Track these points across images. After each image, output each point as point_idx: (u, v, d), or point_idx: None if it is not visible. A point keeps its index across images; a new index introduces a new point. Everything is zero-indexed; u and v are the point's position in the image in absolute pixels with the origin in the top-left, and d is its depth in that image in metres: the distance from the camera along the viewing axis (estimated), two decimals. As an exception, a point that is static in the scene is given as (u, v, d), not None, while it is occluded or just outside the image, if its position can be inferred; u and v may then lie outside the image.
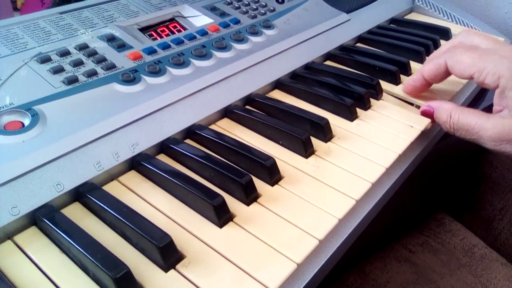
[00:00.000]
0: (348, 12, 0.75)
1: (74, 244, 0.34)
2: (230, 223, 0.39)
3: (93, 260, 0.32)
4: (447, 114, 0.50)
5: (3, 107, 0.42)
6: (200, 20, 0.62)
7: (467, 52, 0.50)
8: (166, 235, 0.35)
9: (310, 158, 0.47)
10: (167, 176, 0.41)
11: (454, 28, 0.80)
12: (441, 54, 0.54)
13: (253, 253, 0.36)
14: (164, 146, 0.46)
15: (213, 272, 0.35)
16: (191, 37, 0.57)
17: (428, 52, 0.71)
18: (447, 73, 0.53)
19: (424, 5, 0.88)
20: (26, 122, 0.42)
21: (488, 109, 0.51)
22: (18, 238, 0.36)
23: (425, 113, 0.54)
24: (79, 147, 0.41)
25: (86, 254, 0.33)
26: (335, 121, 0.53)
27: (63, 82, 0.46)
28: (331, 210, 0.41)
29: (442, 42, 0.75)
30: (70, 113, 0.44)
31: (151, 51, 0.53)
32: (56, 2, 1.28)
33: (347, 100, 0.54)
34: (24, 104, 0.43)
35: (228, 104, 0.52)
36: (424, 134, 0.54)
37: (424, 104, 0.55)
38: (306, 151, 0.47)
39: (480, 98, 0.80)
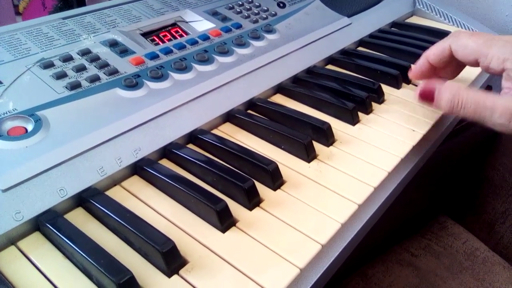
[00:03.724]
0: (349, 16, 0.75)
1: (78, 250, 0.34)
2: (233, 228, 0.39)
3: (96, 265, 0.32)
4: (453, 92, 0.48)
5: (7, 113, 0.42)
6: (202, 25, 0.62)
7: (472, 37, 0.50)
8: (169, 240, 0.35)
9: (312, 163, 0.47)
10: (169, 181, 0.41)
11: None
12: (445, 38, 0.54)
13: (256, 258, 0.36)
14: (167, 151, 0.46)
15: (216, 277, 0.35)
16: (193, 42, 0.58)
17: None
18: (451, 58, 0.52)
19: (425, 8, 0.88)
20: (29, 127, 0.42)
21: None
22: (21, 243, 0.37)
23: (424, 94, 0.51)
24: (82, 152, 0.41)
25: (90, 260, 0.33)
26: (337, 125, 0.53)
27: (66, 88, 0.46)
28: (333, 215, 0.41)
29: (443, 45, 0.75)
30: (73, 119, 0.44)
31: (153, 56, 0.53)
32: (58, 7, 1.29)
33: (348, 104, 0.54)
34: (27, 110, 0.43)
35: (230, 109, 0.53)
36: (426, 137, 0.54)
37: (423, 84, 0.51)
38: (308, 155, 0.47)
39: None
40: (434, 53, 0.54)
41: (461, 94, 0.48)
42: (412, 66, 0.58)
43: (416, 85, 0.63)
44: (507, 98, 0.46)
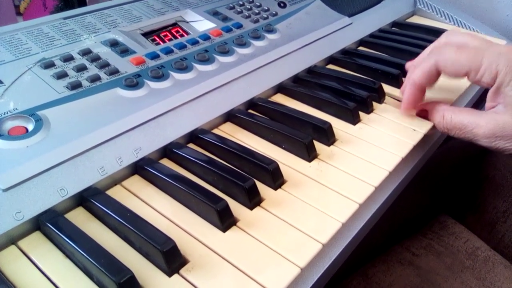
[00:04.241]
0: (350, 15, 0.75)
1: (78, 249, 0.34)
2: (234, 228, 0.39)
3: (97, 265, 0.32)
4: (440, 114, 0.50)
5: (7, 113, 0.42)
6: (202, 24, 0.62)
7: (459, 51, 0.48)
8: (169, 239, 0.35)
9: (313, 162, 0.47)
10: (170, 180, 0.41)
11: (456, 31, 0.80)
12: (426, 56, 0.52)
13: (256, 258, 0.36)
14: (167, 151, 0.46)
15: (216, 276, 0.35)
16: (194, 42, 0.58)
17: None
18: (438, 75, 0.51)
19: (426, 8, 0.88)
20: (30, 127, 0.42)
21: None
22: (22, 243, 0.37)
23: (419, 116, 0.54)
24: (82, 152, 0.41)
25: (90, 259, 0.33)
26: (338, 125, 0.53)
27: (67, 87, 0.46)
28: (334, 214, 0.41)
29: (444, 45, 0.75)
30: (73, 118, 0.44)
31: (154, 56, 0.53)
32: (59, 7, 1.29)
33: (349, 103, 0.54)
34: (28, 110, 0.43)
35: (231, 108, 0.53)
36: (427, 137, 0.54)
37: (418, 106, 0.54)
38: (309, 155, 0.47)
39: (480, 103, 0.80)
40: (420, 76, 0.51)
41: (446, 117, 0.49)
42: (403, 100, 0.54)
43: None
44: (488, 117, 0.46)
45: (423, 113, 0.54)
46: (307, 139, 0.47)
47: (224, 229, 0.38)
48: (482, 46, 0.49)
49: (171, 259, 0.34)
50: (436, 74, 0.51)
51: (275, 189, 0.43)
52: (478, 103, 0.69)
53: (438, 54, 0.49)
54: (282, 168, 0.45)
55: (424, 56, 0.55)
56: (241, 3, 0.69)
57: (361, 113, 0.55)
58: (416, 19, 0.88)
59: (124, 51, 0.53)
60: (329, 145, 0.50)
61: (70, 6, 1.26)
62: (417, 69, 0.51)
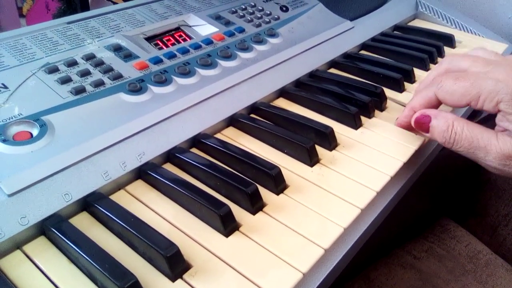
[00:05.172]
0: (352, 19, 0.75)
1: (82, 254, 0.34)
2: (236, 232, 0.39)
3: (101, 270, 0.33)
4: (448, 123, 0.46)
5: (12, 118, 0.43)
6: (205, 29, 0.63)
7: (457, 81, 0.46)
8: (173, 244, 0.35)
9: (315, 167, 0.47)
10: (173, 185, 0.42)
11: (458, 35, 0.81)
12: (427, 86, 0.51)
13: (259, 263, 0.37)
14: (171, 155, 0.47)
15: (219, 281, 0.35)
16: (197, 46, 0.58)
17: (432, 59, 0.71)
18: (439, 104, 0.50)
19: (428, 11, 0.89)
20: (35, 132, 0.42)
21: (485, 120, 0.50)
22: (27, 248, 0.37)
23: (418, 122, 0.49)
24: (87, 157, 0.42)
25: (94, 264, 0.33)
26: (340, 130, 0.53)
27: (71, 92, 0.47)
28: (336, 219, 0.41)
29: (445, 48, 0.75)
30: (77, 123, 0.44)
31: (157, 61, 0.54)
32: (61, 10, 1.29)
33: (351, 108, 0.54)
34: (33, 115, 0.44)
35: (233, 113, 0.53)
36: (428, 141, 0.54)
37: (418, 112, 0.50)
38: (311, 159, 0.47)
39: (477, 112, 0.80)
40: (420, 103, 0.50)
41: (455, 127, 0.45)
42: (399, 118, 0.54)
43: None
44: (503, 138, 0.43)
45: (424, 121, 0.49)
46: (309, 143, 0.47)
47: (227, 234, 0.39)
48: (483, 71, 0.46)
49: (174, 264, 0.35)
50: (436, 103, 0.49)
51: (277, 194, 0.44)
52: (473, 116, 0.69)
53: (437, 86, 0.48)
54: (284, 173, 0.45)
55: (427, 83, 0.53)
56: (243, 7, 0.69)
57: (363, 118, 0.55)
58: (418, 23, 0.88)
59: (128, 56, 0.53)
60: (331, 149, 0.50)
61: (72, 9, 1.27)
62: (418, 96, 0.51)
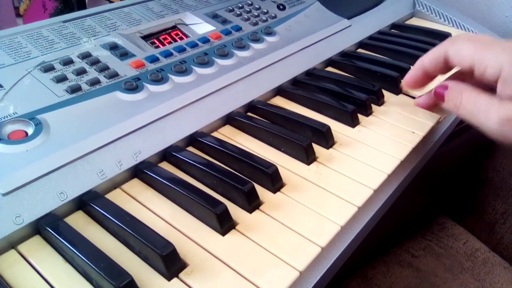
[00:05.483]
0: (349, 18, 0.75)
1: (78, 253, 0.34)
2: (233, 231, 0.39)
3: (96, 269, 0.33)
4: (458, 92, 0.47)
5: (7, 117, 0.43)
6: (202, 27, 0.62)
7: (468, 42, 0.47)
8: (169, 243, 0.35)
9: (312, 165, 0.47)
10: (169, 184, 0.41)
11: (455, 33, 0.80)
12: (442, 43, 0.52)
13: (256, 261, 0.36)
14: (167, 154, 0.47)
15: (216, 280, 0.35)
16: (193, 45, 0.58)
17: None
18: (447, 65, 0.50)
19: (425, 10, 0.89)
20: (30, 131, 0.42)
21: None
22: (22, 247, 0.37)
23: (438, 94, 0.50)
24: (82, 155, 0.41)
25: (90, 263, 0.33)
26: (337, 128, 0.53)
27: (67, 91, 0.46)
28: (333, 217, 0.41)
29: (443, 47, 0.75)
30: (73, 122, 0.44)
31: (153, 59, 0.53)
32: (58, 9, 1.29)
33: (348, 106, 0.54)
34: (28, 113, 0.43)
35: (230, 111, 0.53)
36: (426, 139, 0.54)
37: (439, 84, 0.51)
38: (308, 158, 0.47)
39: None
40: (429, 58, 0.51)
41: (464, 95, 0.47)
42: (405, 76, 0.54)
43: (408, 95, 0.62)
44: (502, 102, 0.44)
45: (441, 94, 0.50)
46: (306, 142, 0.47)
47: (223, 233, 0.39)
48: (493, 41, 0.47)
49: (170, 263, 0.34)
50: (444, 63, 0.50)
51: (274, 192, 0.44)
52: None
53: (451, 42, 0.49)
54: (281, 171, 0.45)
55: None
56: (240, 5, 0.69)
57: (360, 116, 0.55)
58: (415, 21, 0.88)
59: (124, 54, 0.53)
60: (328, 148, 0.50)
61: (69, 8, 1.26)
62: (429, 52, 0.51)
